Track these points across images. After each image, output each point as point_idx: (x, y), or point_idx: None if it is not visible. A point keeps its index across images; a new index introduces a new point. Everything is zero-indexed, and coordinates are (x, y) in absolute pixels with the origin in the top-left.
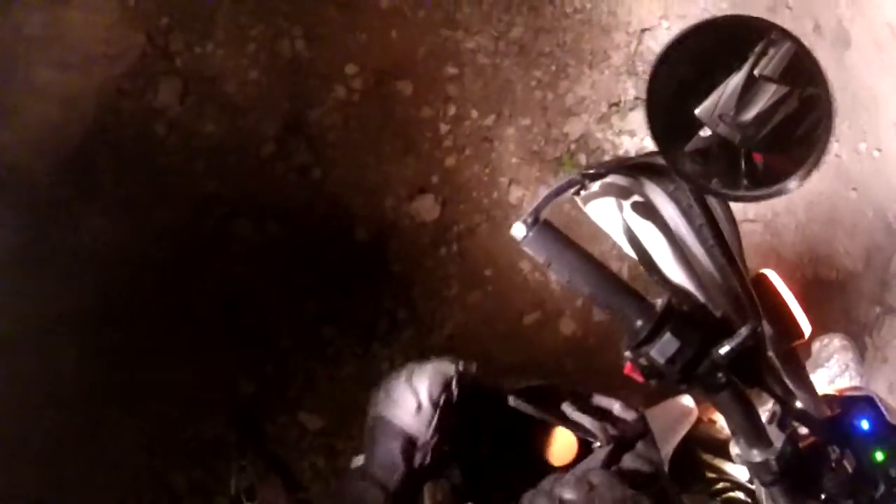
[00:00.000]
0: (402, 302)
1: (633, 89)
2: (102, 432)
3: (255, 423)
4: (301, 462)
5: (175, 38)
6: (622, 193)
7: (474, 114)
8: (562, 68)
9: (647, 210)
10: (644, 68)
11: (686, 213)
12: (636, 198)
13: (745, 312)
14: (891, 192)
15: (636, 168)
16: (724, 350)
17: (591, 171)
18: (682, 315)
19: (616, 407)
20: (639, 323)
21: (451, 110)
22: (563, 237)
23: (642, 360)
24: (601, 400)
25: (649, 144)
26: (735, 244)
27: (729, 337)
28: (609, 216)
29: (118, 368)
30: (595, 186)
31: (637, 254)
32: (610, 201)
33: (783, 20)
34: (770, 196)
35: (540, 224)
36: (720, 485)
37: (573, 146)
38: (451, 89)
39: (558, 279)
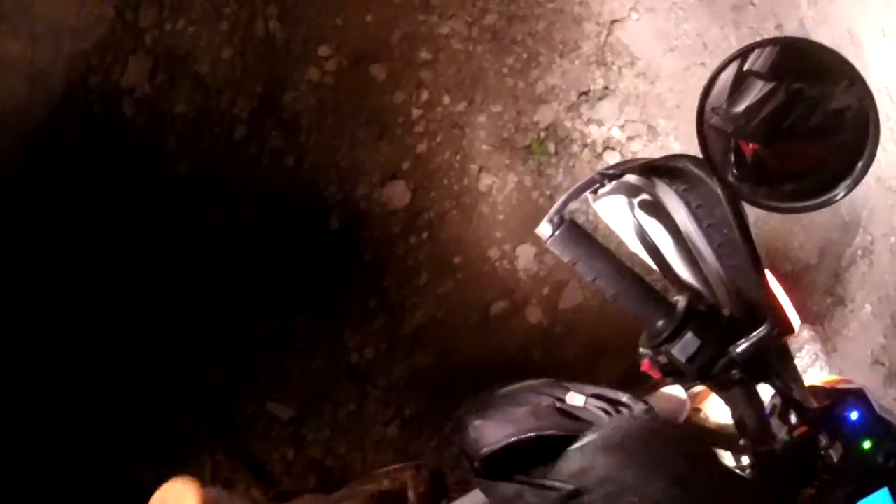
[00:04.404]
0: (373, 290)
1: (602, 79)
2: (65, 424)
3: (226, 415)
4: (271, 454)
5: (145, 14)
6: (632, 192)
7: (446, 100)
8: (533, 57)
9: (656, 209)
10: (613, 59)
11: (695, 213)
12: (645, 196)
13: (751, 311)
14: None
15: (651, 169)
16: (741, 349)
17: (611, 171)
18: (701, 315)
19: (625, 398)
20: (660, 323)
21: (424, 95)
22: (589, 237)
23: (662, 359)
24: (608, 392)
25: (616, 134)
26: (750, 246)
27: (740, 336)
28: (618, 214)
29: (82, 358)
30: (609, 185)
31: (648, 252)
32: (620, 199)
33: (747, 18)
34: (818, 206)
35: (566, 223)
36: None
37: (543, 134)
38: (425, 74)
39: (583, 278)
